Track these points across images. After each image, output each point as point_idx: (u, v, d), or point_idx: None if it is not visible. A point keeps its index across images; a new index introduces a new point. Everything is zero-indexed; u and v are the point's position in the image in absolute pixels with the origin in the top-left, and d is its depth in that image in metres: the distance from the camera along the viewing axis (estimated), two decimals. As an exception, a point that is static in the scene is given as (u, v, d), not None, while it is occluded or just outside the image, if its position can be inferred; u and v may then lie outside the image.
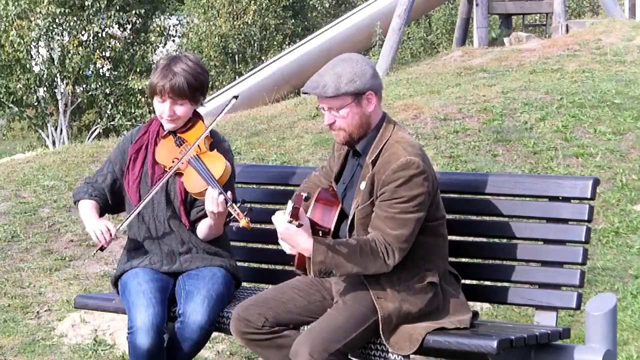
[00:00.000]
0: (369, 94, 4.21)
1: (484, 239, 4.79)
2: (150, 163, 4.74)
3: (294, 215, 4.05)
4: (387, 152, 4.18)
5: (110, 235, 4.63)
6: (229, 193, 4.48)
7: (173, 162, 4.67)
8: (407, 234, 4.13)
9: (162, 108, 4.69)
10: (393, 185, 4.12)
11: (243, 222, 4.35)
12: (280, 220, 4.16)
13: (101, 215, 4.82)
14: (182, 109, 4.70)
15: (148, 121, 4.89)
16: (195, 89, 4.68)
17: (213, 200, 4.48)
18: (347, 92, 4.16)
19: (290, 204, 4.10)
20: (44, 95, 24.89)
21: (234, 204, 4.42)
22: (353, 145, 4.29)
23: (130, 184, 4.75)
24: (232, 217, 4.48)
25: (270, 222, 4.27)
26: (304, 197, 4.12)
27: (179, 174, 4.68)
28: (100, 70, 25.01)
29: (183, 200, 4.69)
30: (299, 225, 4.09)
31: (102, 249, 4.68)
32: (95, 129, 24.97)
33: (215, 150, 4.72)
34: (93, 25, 23.99)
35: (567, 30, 15.45)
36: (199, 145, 4.68)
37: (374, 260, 4.12)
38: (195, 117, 4.80)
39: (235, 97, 4.84)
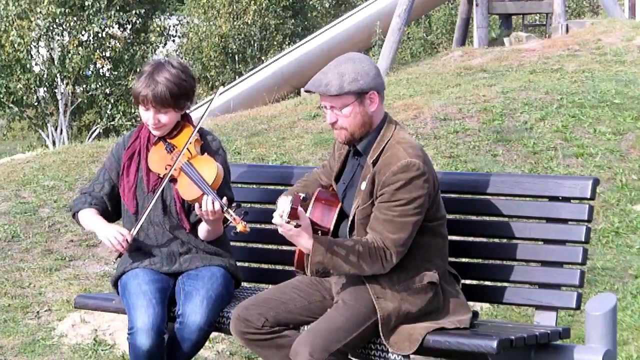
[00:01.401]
0: (371, 94, 4.21)
1: (484, 239, 4.79)
2: (144, 170, 4.75)
3: (292, 215, 4.05)
4: (388, 152, 4.18)
5: (127, 241, 4.65)
6: (224, 199, 4.47)
7: (166, 169, 4.67)
8: (405, 237, 4.13)
9: (146, 116, 4.70)
10: (393, 187, 4.12)
11: (240, 226, 4.33)
12: (278, 221, 4.14)
13: None
14: (166, 117, 4.69)
15: (139, 126, 4.89)
16: (178, 97, 4.66)
17: (208, 208, 4.48)
18: (350, 91, 4.16)
19: (283, 203, 4.10)
20: (44, 95, 24.88)
21: (229, 210, 4.41)
22: (354, 144, 4.28)
23: (127, 192, 4.75)
24: (229, 221, 4.47)
25: (270, 222, 4.27)
26: (301, 198, 4.12)
27: (173, 180, 4.68)
28: (100, 70, 25.00)
29: (181, 206, 4.69)
30: (297, 226, 4.09)
31: (120, 255, 4.69)
32: (95, 129, 24.96)
33: (206, 153, 4.72)
34: (93, 25, 23.97)
35: (567, 30, 15.46)
36: (189, 150, 4.66)
37: (372, 263, 4.13)
38: (184, 121, 4.80)
39: (223, 85, 4.84)
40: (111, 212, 4.86)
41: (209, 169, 4.61)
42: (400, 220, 4.12)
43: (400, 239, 4.12)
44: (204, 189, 4.53)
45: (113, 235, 4.65)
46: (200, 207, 4.51)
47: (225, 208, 4.42)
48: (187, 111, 4.84)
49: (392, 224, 4.12)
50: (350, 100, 4.19)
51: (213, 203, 4.46)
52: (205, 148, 4.74)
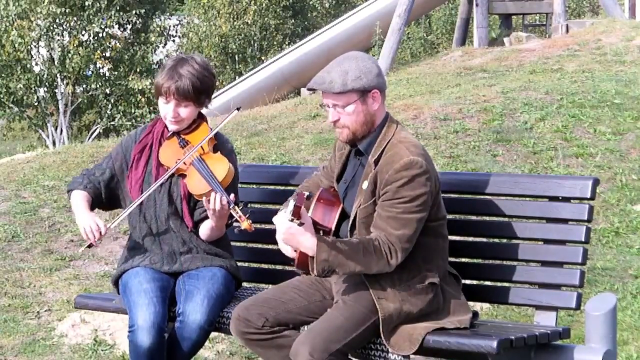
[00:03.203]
0: (374, 92, 4.21)
1: (484, 239, 4.79)
2: (154, 163, 4.75)
3: (296, 213, 4.06)
4: (390, 151, 4.18)
5: (100, 233, 4.63)
6: (231, 196, 4.48)
7: (176, 162, 4.68)
8: (409, 233, 4.13)
9: (166, 109, 4.70)
10: (396, 185, 4.12)
11: (245, 224, 4.36)
12: (282, 219, 4.16)
13: (92, 209, 4.79)
14: (186, 111, 4.70)
15: (152, 121, 4.90)
16: (200, 92, 4.68)
17: (215, 203, 4.49)
18: (354, 88, 4.16)
19: (291, 203, 4.10)
20: (44, 95, 24.88)
21: (236, 207, 4.43)
22: (356, 143, 4.28)
23: (133, 184, 4.75)
24: (234, 218, 4.48)
25: (271, 222, 4.27)
26: (305, 196, 4.13)
27: (182, 175, 4.68)
28: (100, 70, 25.01)
29: (187, 201, 4.69)
30: (301, 224, 4.09)
31: (90, 246, 4.67)
32: (95, 129, 24.96)
33: (219, 152, 4.73)
34: (93, 25, 23.98)
35: (567, 30, 15.46)
36: (202, 147, 4.68)
37: (377, 260, 4.12)
38: (200, 118, 4.81)
39: (238, 109, 4.86)
40: (105, 200, 4.84)
41: (221, 166, 4.62)
42: (404, 217, 4.11)
43: (405, 235, 4.12)
44: (213, 185, 4.54)
45: (89, 224, 4.63)
46: (208, 201, 4.51)
47: (232, 205, 4.44)
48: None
49: (395, 220, 4.12)
50: (354, 98, 4.19)
51: (221, 199, 4.47)
52: (218, 148, 4.75)
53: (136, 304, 4.52)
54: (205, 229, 4.70)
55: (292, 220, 4.06)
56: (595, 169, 8.67)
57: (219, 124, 4.77)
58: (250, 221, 4.37)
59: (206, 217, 4.67)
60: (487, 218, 4.66)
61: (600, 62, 12.37)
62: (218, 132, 4.82)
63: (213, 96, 4.88)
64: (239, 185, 5.08)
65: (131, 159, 4.80)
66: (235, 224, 4.55)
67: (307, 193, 4.18)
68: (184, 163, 4.65)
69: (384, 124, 4.26)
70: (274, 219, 4.24)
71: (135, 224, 4.78)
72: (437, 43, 27.92)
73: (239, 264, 4.93)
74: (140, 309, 4.49)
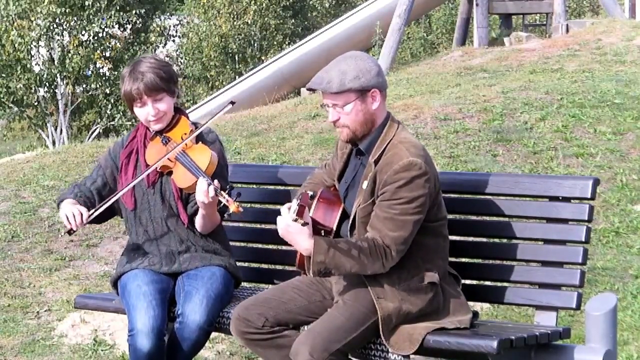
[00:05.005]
0: (373, 92, 4.21)
1: (484, 239, 4.79)
2: (143, 167, 4.77)
3: (300, 213, 4.05)
4: (390, 152, 4.18)
5: (82, 219, 4.63)
6: (215, 182, 4.50)
7: (160, 159, 4.70)
8: (405, 235, 4.13)
9: (145, 111, 4.73)
10: (394, 185, 4.12)
11: (233, 207, 4.37)
12: (285, 218, 4.15)
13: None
14: (164, 104, 4.74)
15: (135, 127, 4.92)
16: (167, 80, 4.73)
17: (201, 190, 4.50)
18: (352, 88, 4.17)
19: (295, 202, 4.10)
20: (44, 95, 24.90)
21: (222, 192, 4.44)
22: (357, 142, 4.29)
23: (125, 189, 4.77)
24: (222, 204, 4.49)
25: (270, 222, 4.27)
26: (309, 196, 4.13)
27: (170, 172, 4.70)
28: (100, 70, 25.02)
29: (180, 197, 4.71)
30: (304, 224, 4.09)
31: (70, 232, 4.66)
32: (95, 129, 24.97)
33: (201, 142, 4.75)
34: (93, 25, 23.99)
35: (567, 30, 15.46)
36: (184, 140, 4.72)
37: (373, 262, 4.12)
38: (178, 113, 4.84)
39: (232, 102, 4.89)
40: (96, 206, 4.85)
41: (203, 155, 4.66)
42: (401, 219, 4.12)
43: (401, 237, 4.12)
44: (197, 174, 4.56)
45: (71, 211, 4.64)
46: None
47: (217, 190, 4.45)
48: (186, 111, 4.87)
49: (392, 222, 4.12)
50: (352, 97, 4.19)
51: (207, 186, 4.49)
52: (200, 139, 4.78)
53: (135, 308, 4.52)
54: (199, 219, 4.71)
55: (295, 220, 4.06)
56: (595, 169, 8.67)
57: (211, 117, 4.81)
58: (238, 203, 4.38)
59: (199, 209, 4.67)
60: (487, 218, 4.66)
61: (600, 62, 12.37)
62: (198, 124, 4.84)
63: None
64: (240, 185, 5.09)
65: (119, 165, 4.82)
66: (227, 214, 4.55)
67: (311, 192, 4.19)
68: (169, 160, 4.68)
69: (385, 123, 4.27)
70: (279, 217, 4.23)
71: (131, 227, 4.80)
72: (437, 43, 27.91)
73: (239, 263, 4.93)
74: (139, 313, 4.49)
